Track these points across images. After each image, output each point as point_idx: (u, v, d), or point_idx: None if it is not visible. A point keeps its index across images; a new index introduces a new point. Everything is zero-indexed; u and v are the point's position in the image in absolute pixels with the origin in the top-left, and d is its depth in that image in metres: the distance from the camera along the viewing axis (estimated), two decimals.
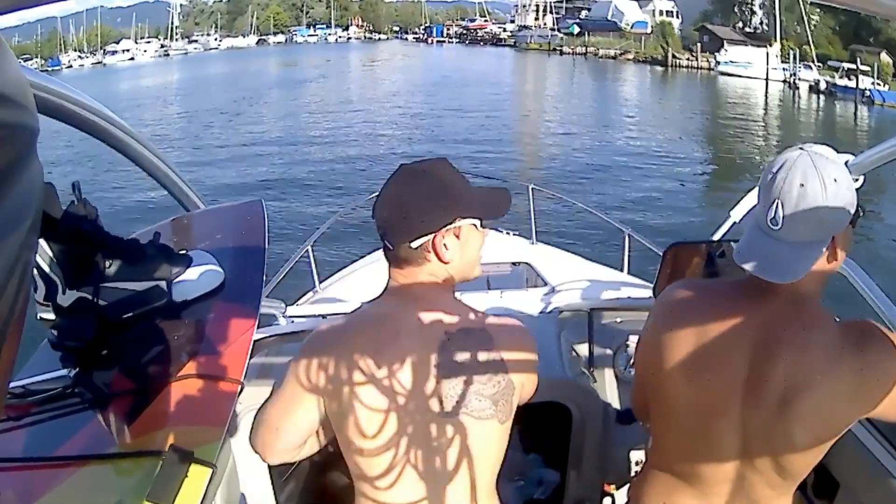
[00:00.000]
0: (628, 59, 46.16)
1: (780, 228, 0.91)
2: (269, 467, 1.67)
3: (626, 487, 1.47)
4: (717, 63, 36.71)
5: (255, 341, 1.08)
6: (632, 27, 50.02)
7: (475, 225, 1.03)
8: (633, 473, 1.42)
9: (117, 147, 1.36)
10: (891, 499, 1.19)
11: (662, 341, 1.04)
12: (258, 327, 1.09)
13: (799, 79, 31.51)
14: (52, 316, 1.00)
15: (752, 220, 0.99)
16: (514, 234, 3.49)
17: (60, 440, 0.88)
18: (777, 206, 0.91)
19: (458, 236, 1.01)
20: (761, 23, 42.24)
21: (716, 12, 45.62)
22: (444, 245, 0.99)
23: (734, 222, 1.90)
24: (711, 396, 0.99)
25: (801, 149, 0.94)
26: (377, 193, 1.03)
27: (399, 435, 0.99)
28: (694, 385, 1.00)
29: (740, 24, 43.08)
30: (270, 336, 1.59)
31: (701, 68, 39.60)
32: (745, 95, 30.05)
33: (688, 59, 41.67)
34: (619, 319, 1.84)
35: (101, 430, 0.94)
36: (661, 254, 1.60)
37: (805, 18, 34.71)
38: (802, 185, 0.89)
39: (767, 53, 34.65)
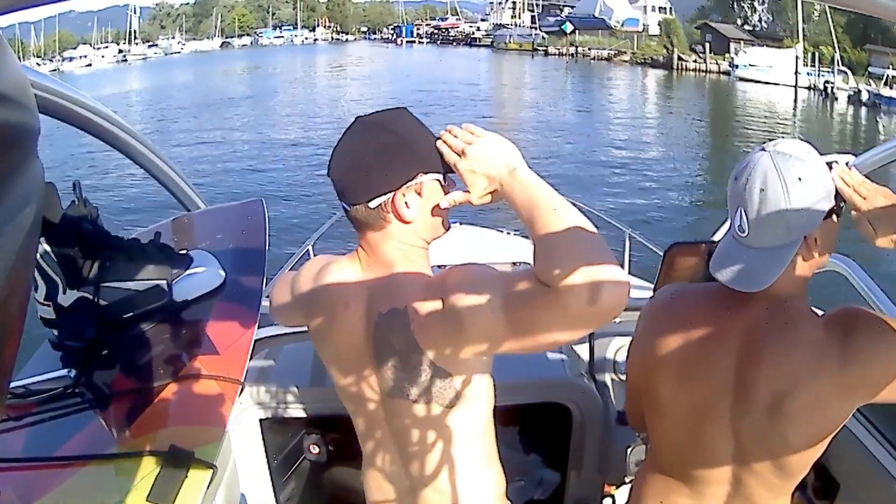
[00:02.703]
0: (624, 61, 40.94)
1: (747, 235, 0.90)
2: (269, 467, 1.67)
3: (626, 487, 1.47)
4: (735, 66, 31.78)
5: (255, 341, 1.07)
6: (622, 25, 46.19)
7: (439, 180, 0.93)
8: (633, 474, 1.42)
9: (118, 146, 1.36)
10: (891, 499, 1.19)
11: (651, 347, 1.04)
12: (258, 327, 1.08)
13: (836, 87, 26.05)
14: (52, 316, 1.00)
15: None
16: (514, 234, 3.50)
17: (61, 440, 0.88)
18: (741, 214, 0.89)
19: (419, 193, 0.91)
20: (760, 20, 38.73)
21: (714, 8, 41.14)
22: (406, 204, 0.90)
23: None
24: (701, 401, 0.98)
25: (763, 149, 0.90)
26: (332, 149, 0.93)
27: (356, 416, 1.01)
28: (684, 390, 1.00)
29: (739, 22, 39.28)
30: (270, 336, 1.59)
31: (710, 71, 34.82)
32: (772, 106, 25.17)
33: (695, 62, 36.24)
34: (618, 320, 1.83)
35: (102, 430, 0.94)
36: (662, 254, 1.60)
37: (829, 15, 29.16)
38: (762, 189, 0.87)
39: (797, 57, 29.33)
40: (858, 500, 1.28)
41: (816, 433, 0.91)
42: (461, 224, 3.55)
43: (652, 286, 1.66)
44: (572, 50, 45.99)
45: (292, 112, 23.60)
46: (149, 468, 0.81)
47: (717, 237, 1.94)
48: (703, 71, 35.47)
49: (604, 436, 1.63)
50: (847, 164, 1.32)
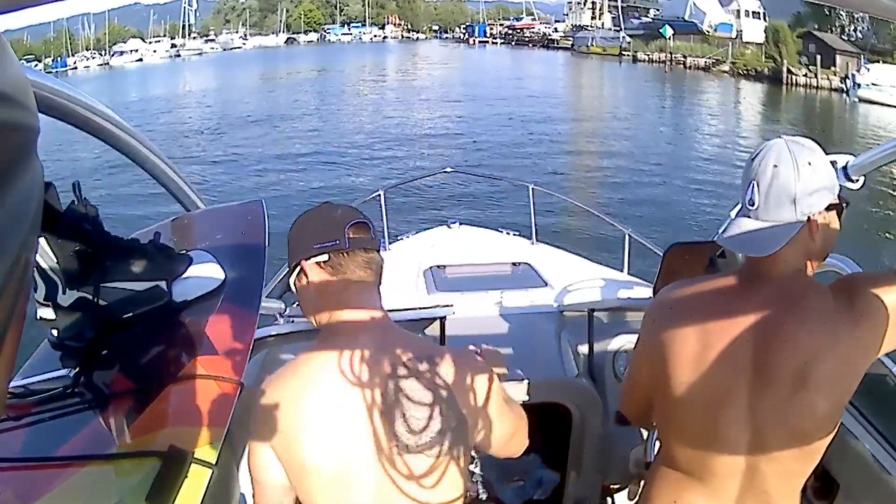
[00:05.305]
0: (723, 72, 34.79)
1: (757, 208, 0.98)
2: None
3: (626, 488, 1.47)
4: (857, 85, 25.74)
5: (255, 341, 1.08)
6: (715, 30, 40.01)
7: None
8: (632, 474, 1.42)
9: (118, 147, 1.36)
10: (891, 499, 1.19)
11: (663, 341, 1.05)
12: (258, 327, 1.09)
13: None
14: (52, 316, 1.00)
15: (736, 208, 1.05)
16: (514, 234, 3.50)
17: (60, 440, 0.88)
18: (753, 187, 0.98)
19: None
20: (856, 30, 32.96)
21: (811, 16, 34.39)
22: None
23: None
24: (718, 388, 1.00)
25: (779, 137, 1.01)
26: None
27: (354, 473, 1.04)
28: (700, 379, 1.01)
29: (836, 32, 33.42)
30: (270, 336, 1.59)
31: (821, 88, 29.36)
32: None
33: (805, 76, 30.52)
34: (619, 319, 1.84)
35: (101, 430, 0.94)
36: (661, 254, 1.60)
37: None
38: (776, 165, 0.96)
39: None
40: (857, 500, 1.28)
41: (842, 396, 0.97)
42: (461, 224, 3.55)
43: (652, 286, 1.67)
44: (662, 56, 40.02)
45: (357, 126, 21.56)
46: (148, 468, 0.81)
47: (716, 237, 1.94)
48: (813, 87, 30.07)
49: (603, 436, 1.63)
50: (847, 163, 1.33)
